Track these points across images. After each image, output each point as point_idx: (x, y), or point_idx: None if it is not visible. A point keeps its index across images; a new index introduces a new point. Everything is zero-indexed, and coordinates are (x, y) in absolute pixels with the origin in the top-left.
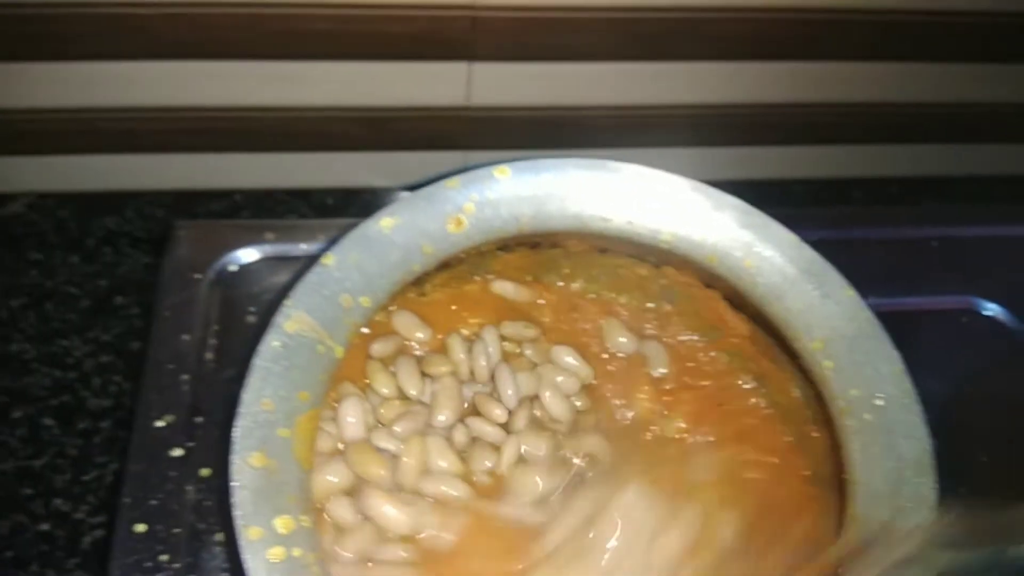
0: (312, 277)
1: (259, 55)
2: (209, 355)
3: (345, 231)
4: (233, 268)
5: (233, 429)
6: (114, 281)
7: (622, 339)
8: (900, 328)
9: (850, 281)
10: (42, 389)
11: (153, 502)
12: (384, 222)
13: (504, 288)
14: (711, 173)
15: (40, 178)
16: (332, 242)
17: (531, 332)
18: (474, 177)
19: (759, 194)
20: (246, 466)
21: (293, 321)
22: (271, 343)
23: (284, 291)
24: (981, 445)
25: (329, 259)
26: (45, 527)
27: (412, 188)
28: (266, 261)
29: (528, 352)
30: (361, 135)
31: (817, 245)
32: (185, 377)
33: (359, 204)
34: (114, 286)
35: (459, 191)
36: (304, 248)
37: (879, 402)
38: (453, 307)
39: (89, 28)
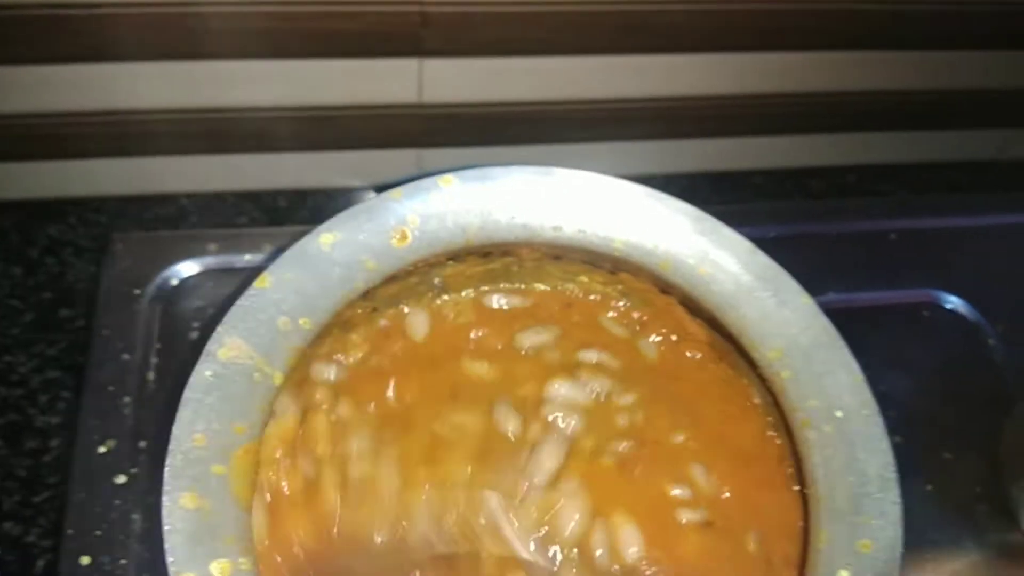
0: (246, 300)
1: (200, 55)
2: (151, 375)
3: (285, 246)
4: (174, 282)
5: (164, 468)
6: (58, 293)
7: None
8: (861, 324)
9: (809, 276)
10: None
11: (98, 532)
12: (323, 238)
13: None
14: (668, 166)
15: None
16: (269, 260)
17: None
18: (417, 188)
19: (717, 186)
20: (177, 508)
21: (227, 348)
22: (203, 373)
23: (222, 312)
24: (945, 442)
25: (264, 280)
26: None
27: (378, 188)
28: (209, 273)
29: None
30: (311, 135)
31: (774, 241)
32: (127, 399)
33: (311, 206)
34: (59, 298)
35: (402, 203)
36: (248, 259)
37: (839, 413)
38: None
39: (17, 31)
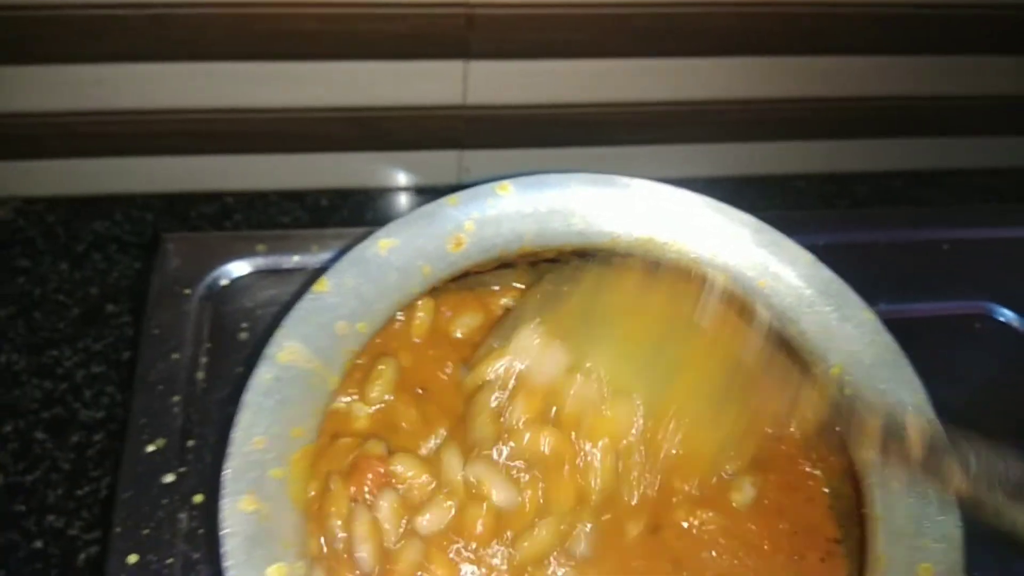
0: (306, 304)
1: (248, 56)
2: (200, 375)
3: (344, 247)
4: (224, 282)
5: (223, 471)
6: (104, 288)
7: None
8: (912, 335)
9: (859, 286)
10: (33, 401)
11: (145, 531)
12: (382, 243)
13: None
14: (712, 169)
15: (26, 183)
16: (327, 264)
17: None
18: (475, 194)
19: (760, 190)
20: (237, 511)
21: (286, 352)
22: (263, 376)
23: (278, 314)
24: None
25: (324, 285)
26: (39, 544)
27: (419, 190)
28: (258, 274)
29: None
30: (355, 135)
31: (824, 249)
32: (176, 399)
33: (353, 205)
34: (104, 293)
35: (459, 209)
36: (297, 260)
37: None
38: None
39: (73, 30)
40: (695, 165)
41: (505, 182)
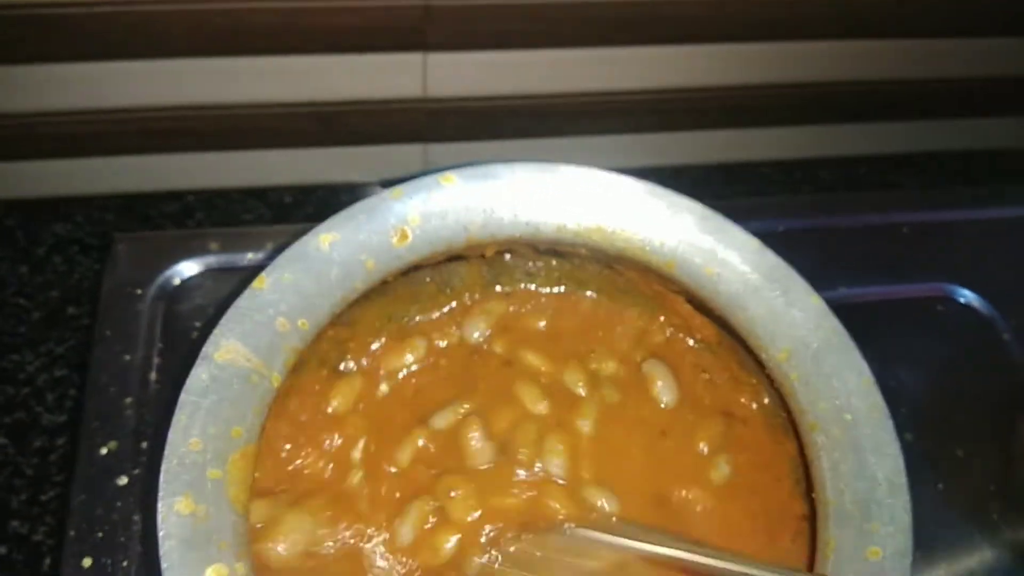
0: (244, 301)
1: (205, 52)
2: (153, 375)
3: (286, 245)
4: (176, 282)
5: (160, 473)
6: (65, 291)
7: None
8: (872, 319)
9: (819, 271)
10: None
11: (99, 534)
12: (322, 238)
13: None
14: (677, 158)
15: None
16: (271, 259)
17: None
18: (418, 186)
19: (727, 177)
20: (172, 513)
21: (223, 350)
22: (199, 375)
23: (222, 313)
24: (957, 439)
25: (262, 281)
26: (3, 551)
27: (384, 183)
28: (211, 272)
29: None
30: (316, 130)
31: (784, 235)
32: (128, 400)
33: (316, 201)
34: (65, 296)
35: (402, 201)
36: (251, 258)
37: (848, 416)
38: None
39: (23, 30)
40: (661, 154)
41: (449, 172)
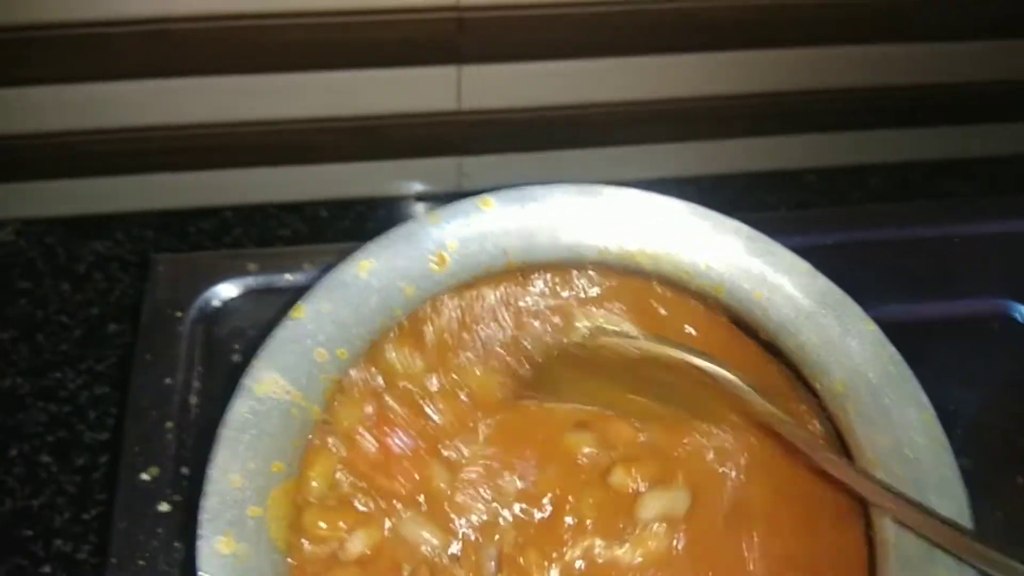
0: (282, 332)
1: (239, 69)
2: (194, 399)
3: (327, 265)
4: (216, 303)
5: (199, 511)
6: (106, 308)
7: None
8: (925, 337)
9: (869, 286)
10: (37, 425)
11: (141, 561)
12: (361, 265)
13: None
14: (719, 166)
15: (25, 204)
16: (310, 280)
17: None
18: (456, 211)
19: (772, 185)
20: (213, 553)
21: (263, 383)
22: (238, 409)
23: (262, 335)
24: (1017, 464)
25: (300, 311)
26: (47, 569)
27: (419, 197)
28: (249, 294)
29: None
30: (351, 145)
31: (833, 248)
32: (169, 424)
33: (353, 215)
34: (106, 313)
35: (440, 227)
36: (289, 278)
37: (909, 453)
38: None
39: (64, 51)
40: (702, 162)
41: (487, 196)
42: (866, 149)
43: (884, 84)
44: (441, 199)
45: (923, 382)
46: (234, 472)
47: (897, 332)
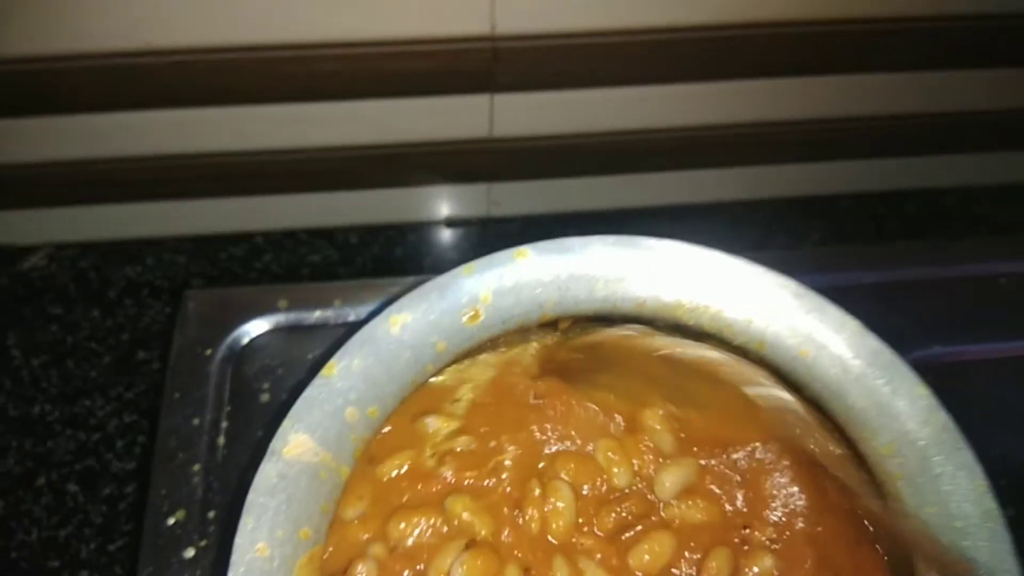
0: (313, 391)
1: (272, 99)
2: (221, 440)
3: (341, 327)
4: (245, 341)
5: None
6: (136, 334)
7: None
8: (969, 379)
9: (911, 327)
10: (66, 453)
11: None
12: (393, 320)
13: None
14: (751, 192)
15: (58, 229)
16: (338, 316)
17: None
18: (491, 262)
19: (805, 211)
20: None
21: (291, 445)
22: (267, 474)
23: (294, 388)
24: None
25: (332, 369)
26: None
27: (448, 222)
28: (279, 331)
29: None
30: (382, 172)
31: (873, 288)
32: (196, 467)
33: (383, 241)
34: (136, 340)
35: (474, 278)
36: (319, 315)
37: (959, 524)
38: None
39: (96, 80)
40: (735, 189)
41: (523, 248)
42: (900, 175)
43: (915, 111)
44: (471, 224)
45: (966, 428)
46: (261, 540)
47: (941, 374)
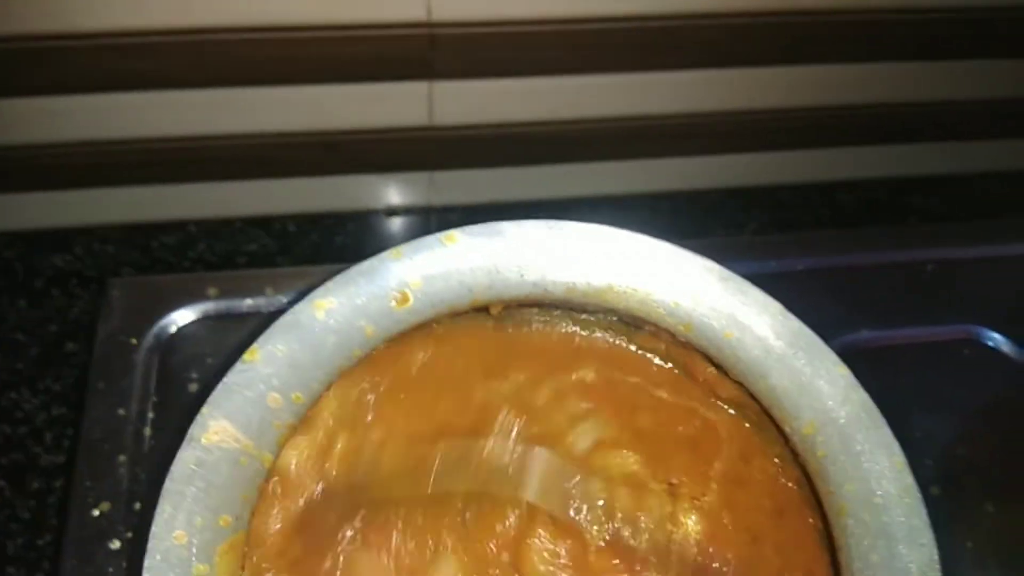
0: (233, 376)
1: (206, 83)
2: (148, 431)
3: (281, 308)
4: (172, 330)
5: (143, 571)
6: (64, 325)
7: None
8: (895, 363)
9: (840, 312)
10: None
11: None
12: (317, 304)
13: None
14: (690, 183)
15: None
16: (270, 305)
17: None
18: (419, 246)
19: (742, 202)
20: None
21: (211, 432)
22: (185, 461)
23: (221, 367)
24: (987, 493)
25: (254, 354)
26: None
27: (388, 211)
28: (208, 320)
29: None
30: (321, 159)
31: (804, 274)
32: (122, 458)
33: (322, 230)
34: (64, 331)
35: (403, 263)
36: (250, 303)
37: (878, 500)
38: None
39: (25, 62)
40: (674, 179)
41: (452, 232)
42: (834, 166)
43: (851, 103)
44: (412, 212)
45: (892, 409)
46: (179, 527)
47: (869, 357)
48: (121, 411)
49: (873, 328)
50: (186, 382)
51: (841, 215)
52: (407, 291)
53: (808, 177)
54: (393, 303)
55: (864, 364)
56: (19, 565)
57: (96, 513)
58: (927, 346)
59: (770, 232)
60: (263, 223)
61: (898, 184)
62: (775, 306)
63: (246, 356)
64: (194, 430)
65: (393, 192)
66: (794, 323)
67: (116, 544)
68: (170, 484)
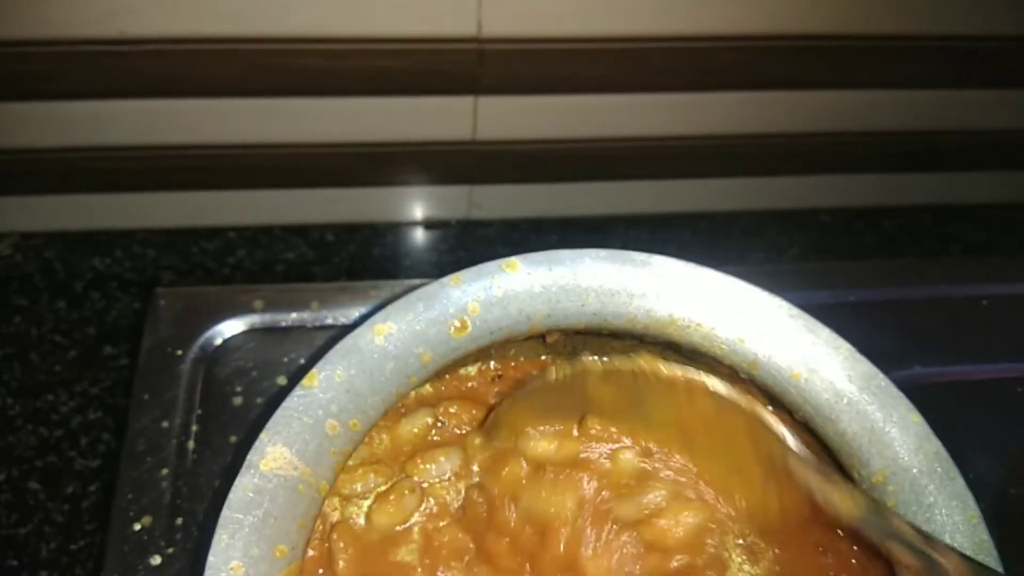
0: (292, 402)
1: (253, 92)
2: (191, 444)
3: (319, 329)
4: (218, 342)
5: None
6: (102, 328)
7: None
8: (948, 400)
9: (891, 347)
10: (27, 449)
11: None
12: (377, 330)
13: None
14: (732, 203)
15: (25, 218)
16: (311, 320)
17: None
18: (479, 273)
19: (784, 224)
20: None
21: (269, 458)
22: (243, 488)
23: (266, 403)
24: None
25: (312, 379)
26: None
27: (427, 224)
28: (253, 332)
29: None
30: (362, 170)
31: (854, 307)
32: (165, 471)
33: (359, 240)
34: (102, 334)
35: (462, 289)
36: (295, 317)
37: None
38: None
39: (73, 67)
40: (713, 199)
41: (513, 259)
42: (879, 192)
43: (897, 128)
44: (449, 226)
45: (946, 449)
46: (235, 558)
47: (921, 395)
48: (165, 423)
49: (926, 364)
50: (230, 395)
51: (885, 240)
52: (466, 318)
53: (851, 202)
54: (452, 330)
55: (916, 401)
56: (52, 568)
57: (137, 527)
58: (981, 384)
59: (810, 257)
60: (302, 232)
61: (943, 211)
62: (845, 347)
63: (304, 381)
64: (252, 456)
65: (432, 205)
66: (866, 366)
67: (157, 560)
68: (228, 512)
